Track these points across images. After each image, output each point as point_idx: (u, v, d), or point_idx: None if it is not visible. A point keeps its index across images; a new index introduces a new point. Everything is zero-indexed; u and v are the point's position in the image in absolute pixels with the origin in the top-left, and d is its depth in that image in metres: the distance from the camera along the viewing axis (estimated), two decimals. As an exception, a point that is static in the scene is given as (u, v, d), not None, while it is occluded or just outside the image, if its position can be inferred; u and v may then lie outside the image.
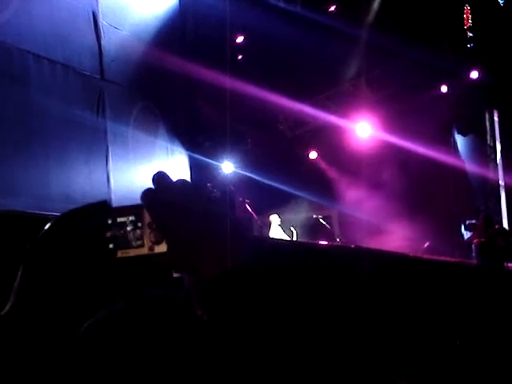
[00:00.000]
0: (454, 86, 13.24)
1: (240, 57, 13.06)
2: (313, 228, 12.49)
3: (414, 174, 12.40)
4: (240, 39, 13.02)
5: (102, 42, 9.79)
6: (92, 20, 9.69)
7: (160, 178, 1.09)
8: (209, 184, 12.47)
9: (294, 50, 11.94)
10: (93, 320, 1.22)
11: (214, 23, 11.61)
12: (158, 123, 11.10)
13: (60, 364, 1.11)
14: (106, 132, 9.70)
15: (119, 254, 1.10)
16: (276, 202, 12.56)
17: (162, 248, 1.09)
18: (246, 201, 11.95)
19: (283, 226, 12.24)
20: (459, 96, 13.22)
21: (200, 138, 12.24)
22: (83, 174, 8.95)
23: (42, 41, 8.65)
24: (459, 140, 14.55)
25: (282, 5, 12.28)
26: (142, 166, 10.28)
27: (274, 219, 12.15)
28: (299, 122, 13.84)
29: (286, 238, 11.88)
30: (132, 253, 1.10)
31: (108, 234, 1.11)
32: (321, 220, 12.34)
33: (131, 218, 1.11)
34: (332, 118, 13.17)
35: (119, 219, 1.11)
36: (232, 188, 11.94)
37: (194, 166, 12.08)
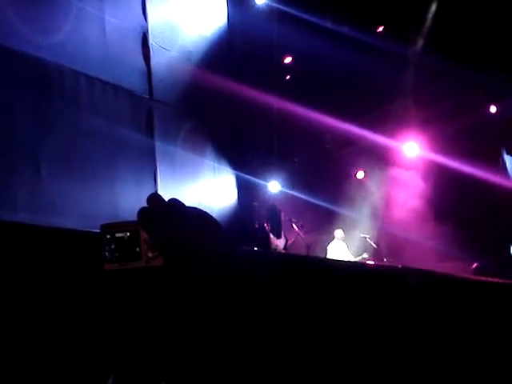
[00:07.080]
0: (504, 106, 13.05)
1: (288, 77, 13.12)
2: (360, 247, 12.35)
3: (462, 193, 12.23)
4: (288, 60, 13.10)
5: (151, 63, 9.94)
6: (142, 41, 9.87)
7: (153, 198, 1.15)
8: (255, 203, 12.53)
9: (341, 70, 11.91)
10: None
11: (262, 44, 11.69)
12: (206, 142, 11.18)
13: None
14: (154, 151, 9.83)
15: (117, 266, 1.15)
16: (322, 220, 12.52)
17: (158, 262, 1.14)
18: (293, 220, 11.94)
19: (345, 241, 12.01)
20: (508, 116, 13.02)
21: (247, 157, 12.29)
22: (132, 192, 8.96)
23: (93, 61, 8.80)
24: (508, 160, 14.31)
25: (329, 26, 12.32)
26: (189, 184, 10.37)
27: (337, 234, 11.91)
28: (346, 141, 13.78)
29: (348, 253, 11.74)
30: (129, 265, 1.15)
31: (107, 248, 1.15)
32: (368, 239, 12.21)
33: (129, 233, 1.16)
34: (379, 138, 13.06)
35: (118, 234, 1.16)
36: (277, 207, 11.94)
37: (241, 185, 12.16)
